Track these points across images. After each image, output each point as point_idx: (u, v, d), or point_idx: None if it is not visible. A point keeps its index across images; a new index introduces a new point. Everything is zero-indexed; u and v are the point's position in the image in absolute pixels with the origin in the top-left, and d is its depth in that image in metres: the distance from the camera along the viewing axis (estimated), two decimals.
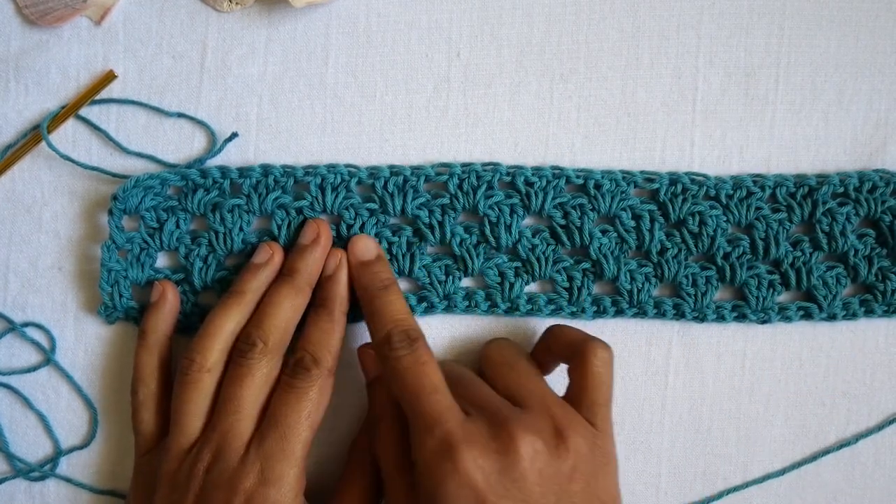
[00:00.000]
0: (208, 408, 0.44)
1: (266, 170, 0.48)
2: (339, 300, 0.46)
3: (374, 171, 0.48)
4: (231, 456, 0.42)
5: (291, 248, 0.47)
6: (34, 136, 0.48)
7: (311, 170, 0.48)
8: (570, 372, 0.45)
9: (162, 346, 0.47)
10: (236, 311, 0.45)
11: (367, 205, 0.48)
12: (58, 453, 0.49)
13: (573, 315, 0.49)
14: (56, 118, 0.48)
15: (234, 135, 0.48)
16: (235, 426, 0.43)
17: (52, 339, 0.49)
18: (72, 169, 0.49)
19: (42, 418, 0.49)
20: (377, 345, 0.45)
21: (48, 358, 0.49)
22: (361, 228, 0.48)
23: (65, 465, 0.49)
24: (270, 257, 0.46)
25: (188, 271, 0.48)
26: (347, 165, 0.48)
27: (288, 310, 0.45)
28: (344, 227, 0.48)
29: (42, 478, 0.49)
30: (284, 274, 0.46)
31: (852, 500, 0.51)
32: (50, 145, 0.48)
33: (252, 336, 0.44)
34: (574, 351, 0.44)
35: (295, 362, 0.44)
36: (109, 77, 0.49)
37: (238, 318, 0.45)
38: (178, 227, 0.48)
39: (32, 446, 0.49)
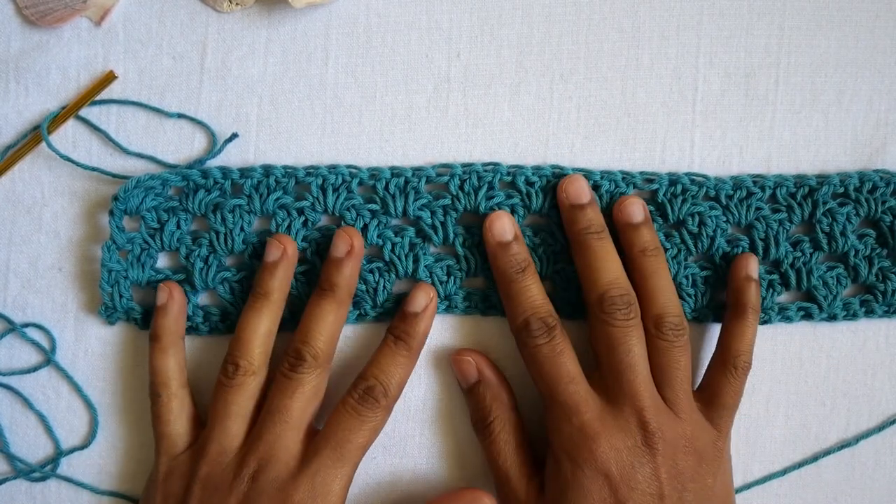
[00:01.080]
0: (251, 411, 0.45)
1: (267, 170, 0.48)
2: (421, 337, 0.46)
3: (375, 172, 0.48)
4: (280, 466, 0.43)
5: (295, 238, 0.47)
6: (34, 136, 0.48)
7: (312, 170, 0.48)
8: (712, 371, 0.47)
9: (177, 347, 0.47)
10: (266, 312, 0.45)
11: (369, 206, 0.48)
12: (58, 454, 0.49)
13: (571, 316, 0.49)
14: (56, 119, 0.48)
15: (235, 135, 0.48)
16: (284, 436, 0.43)
17: (52, 340, 0.49)
18: (72, 169, 0.48)
19: (42, 419, 0.49)
20: (515, 330, 0.46)
21: (48, 358, 0.49)
22: (364, 229, 0.48)
23: (65, 466, 0.49)
24: (283, 251, 0.46)
25: (189, 272, 0.48)
26: (349, 166, 0.48)
27: (332, 323, 0.45)
28: None
29: (43, 478, 0.49)
30: (325, 288, 0.46)
31: (853, 500, 0.51)
32: (50, 146, 0.47)
33: (301, 352, 0.44)
34: (728, 355, 0.47)
35: (365, 389, 0.45)
36: (109, 77, 0.48)
37: (270, 319, 0.45)
38: (178, 227, 0.48)
39: (33, 447, 0.49)
